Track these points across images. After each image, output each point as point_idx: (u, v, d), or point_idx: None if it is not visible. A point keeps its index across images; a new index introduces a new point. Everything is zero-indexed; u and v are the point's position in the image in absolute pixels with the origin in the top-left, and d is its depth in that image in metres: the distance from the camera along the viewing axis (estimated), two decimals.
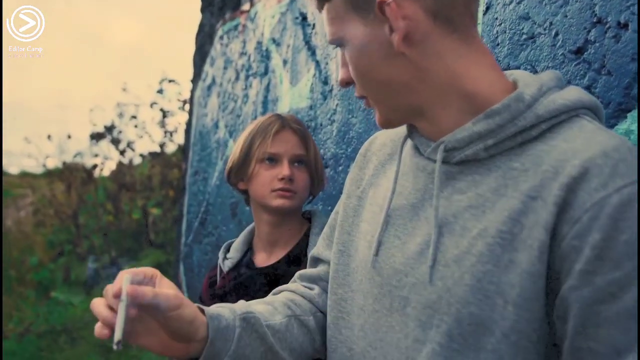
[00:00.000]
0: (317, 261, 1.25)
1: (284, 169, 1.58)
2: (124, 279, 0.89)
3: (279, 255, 1.65)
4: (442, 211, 0.96)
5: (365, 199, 1.15)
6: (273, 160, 1.60)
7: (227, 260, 1.73)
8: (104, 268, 6.86)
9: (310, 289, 1.22)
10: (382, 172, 1.15)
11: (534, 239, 0.83)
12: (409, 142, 1.09)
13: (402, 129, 1.13)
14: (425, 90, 0.96)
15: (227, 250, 1.77)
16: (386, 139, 1.19)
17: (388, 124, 1.02)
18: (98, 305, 0.90)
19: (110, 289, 0.89)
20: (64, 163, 7.96)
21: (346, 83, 1.01)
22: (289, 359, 1.11)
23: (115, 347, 0.86)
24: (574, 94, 0.94)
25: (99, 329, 0.89)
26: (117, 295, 0.87)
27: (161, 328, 0.95)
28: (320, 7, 0.99)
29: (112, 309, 0.89)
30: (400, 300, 1.00)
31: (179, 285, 4.15)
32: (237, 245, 1.75)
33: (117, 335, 0.84)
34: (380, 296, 1.03)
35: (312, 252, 1.27)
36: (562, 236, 0.81)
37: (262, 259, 1.69)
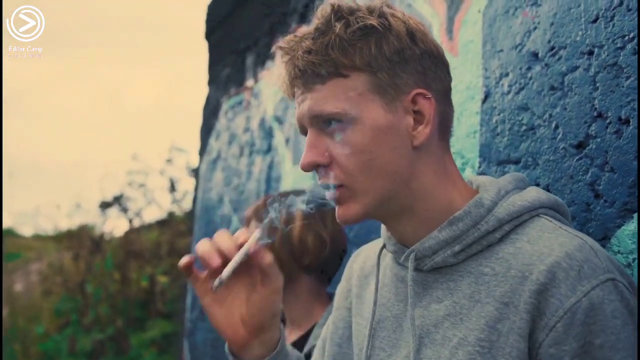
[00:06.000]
0: None
1: None
2: (255, 235, 0.94)
3: (296, 334, 1.65)
4: (422, 321, 0.96)
5: (353, 311, 1.15)
6: None
7: None
8: (110, 339, 6.73)
9: None
10: (366, 283, 1.14)
11: (512, 347, 0.85)
12: (388, 253, 1.08)
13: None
14: (416, 190, 0.97)
15: None
16: (370, 251, 1.20)
17: (362, 217, 0.97)
18: (205, 244, 0.93)
19: (235, 234, 0.95)
20: (69, 231, 7.99)
21: (314, 166, 0.96)
22: None
23: (217, 283, 0.91)
24: (532, 194, 0.96)
25: (209, 259, 0.91)
26: (242, 244, 0.92)
27: (244, 304, 0.96)
28: (323, 80, 0.94)
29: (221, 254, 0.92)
30: None
31: None
32: None
33: (226, 273, 0.90)
34: None
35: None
36: (538, 343, 0.83)
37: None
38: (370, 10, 0.95)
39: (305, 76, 0.94)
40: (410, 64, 0.94)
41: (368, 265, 1.16)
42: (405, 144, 0.94)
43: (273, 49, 1.01)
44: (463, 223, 0.94)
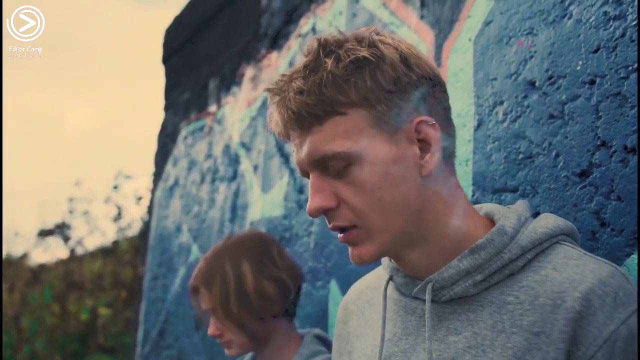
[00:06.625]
0: None
1: (209, 328, 1.57)
2: None
3: None
4: (438, 355, 0.90)
5: (355, 353, 1.08)
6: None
7: None
8: None
9: None
10: (364, 320, 1.09)
11: None
12: (391, 285, 1.03)
13: (378, 274, 1.11)
14: (429, 220, 0.93)
15: None
16: (362, 286, 1.15)
17: (379, 256, 0.93)
18: None
19: None
20: (5, 260, 7.58)
21: (322, 211, 0.91)
22: None
23: None
24: (551, 221, 0.94)
25: None
26: None
27: None
28: (320, 121, 0.88)
29: None
30: None
31: None
32: None
33: None
34: None
35: None
36: None
37: None
38: (359, 40, 0.90)
39: (301, 118, 0.88)
40: (408, 91, 0.90)
41: (363, 301, 1.11)
42: (413, 175, 0.90)
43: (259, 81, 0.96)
44: (486, 252, 0.90)
